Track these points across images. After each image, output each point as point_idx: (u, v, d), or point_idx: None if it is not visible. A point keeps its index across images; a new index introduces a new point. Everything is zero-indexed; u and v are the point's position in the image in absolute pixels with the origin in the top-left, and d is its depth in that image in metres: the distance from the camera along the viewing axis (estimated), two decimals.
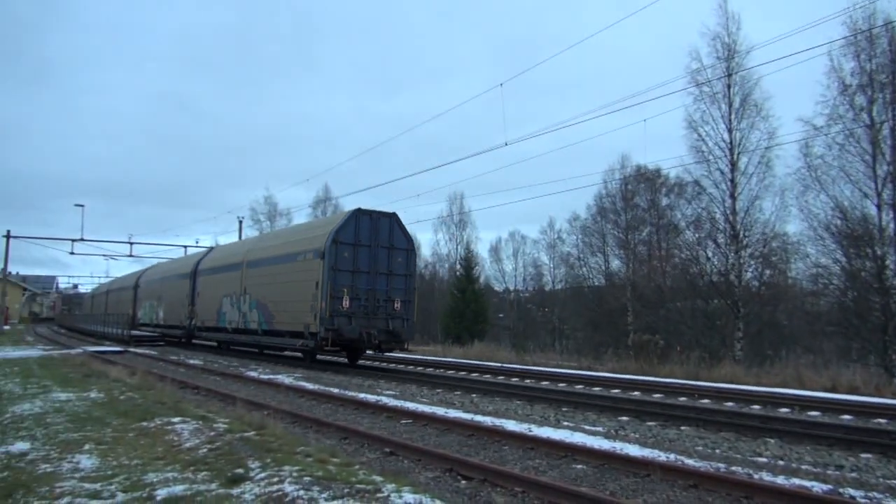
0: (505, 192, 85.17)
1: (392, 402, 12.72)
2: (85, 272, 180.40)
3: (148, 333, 36.05)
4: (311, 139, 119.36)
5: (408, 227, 20.88)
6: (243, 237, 48.60)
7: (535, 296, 65.11)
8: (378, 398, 13.44)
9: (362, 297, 19.76)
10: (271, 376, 17.90)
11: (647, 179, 42.82)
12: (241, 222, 50.22)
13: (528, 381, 17.80)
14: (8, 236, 46.71)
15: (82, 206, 46.19)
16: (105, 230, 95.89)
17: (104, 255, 56.90)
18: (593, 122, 70.45)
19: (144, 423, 8.93)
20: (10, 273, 59.35)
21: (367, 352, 21.58)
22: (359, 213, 20.17)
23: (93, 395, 12.10)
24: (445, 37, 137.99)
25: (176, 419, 9.15)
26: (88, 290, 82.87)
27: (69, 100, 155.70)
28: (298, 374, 19.08)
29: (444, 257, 64.15)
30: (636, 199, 44.04)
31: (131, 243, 48.26)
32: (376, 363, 23.46)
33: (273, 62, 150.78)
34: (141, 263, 60.17)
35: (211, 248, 34.67)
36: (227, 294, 26.34)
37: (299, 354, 22.26)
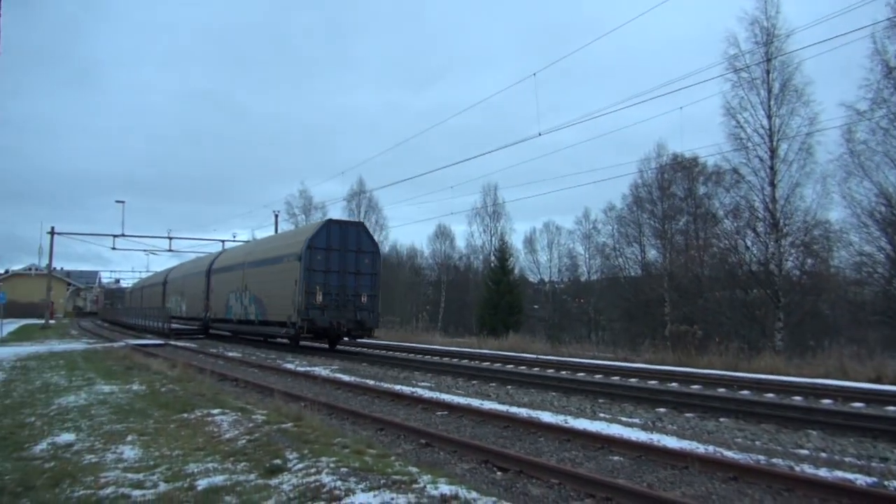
0: (539, 183, 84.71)
1: (427, 394, 12.77)
2: (126, 267, 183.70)
3: (187, 327, 36.77)
4: (345, 133, 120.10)
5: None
6: (279, 230, 49.18)
7: (571, 287, 64.71)
8: (413, 390, 13.51)
9: (333, 293, 23.36)
10: (308, 369, 18.10)
11: (684, 168, 42.21)
12: (276, 216, 50.75)
13: (563, 372, 17.72)
14: (52, 232, 47.98)
15: (123, 202, 47.32)
16: (145, 226, 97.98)
17: (144, 250, 58.34)
18: (628, 111, 69.81)
19: (185, 415, 9.11)
20: (54, 268, 60.90)
21: (345, 338, 24.94)
22: (330, 222, 24.47)
23: (135, 387, 12.37)
24: (476, 28, 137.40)
25: (215, 411, 9.31)
26: (129, 285, 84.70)
27: (109, 99, 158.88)
28: (335, 366, 19.29)
29: (479, 249, 64.21)
30: (673, 188, 43.46)
31: (170, 238, 49.23)
32: (381, 351, 23.63)
33: (306, 58, 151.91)
34: (179, 258, 61.16)
35: (223, 251, 38.28)
36: (232, 290, 30.07)
37: (287, 341, 25.97)
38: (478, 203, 61.93)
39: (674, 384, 15.05)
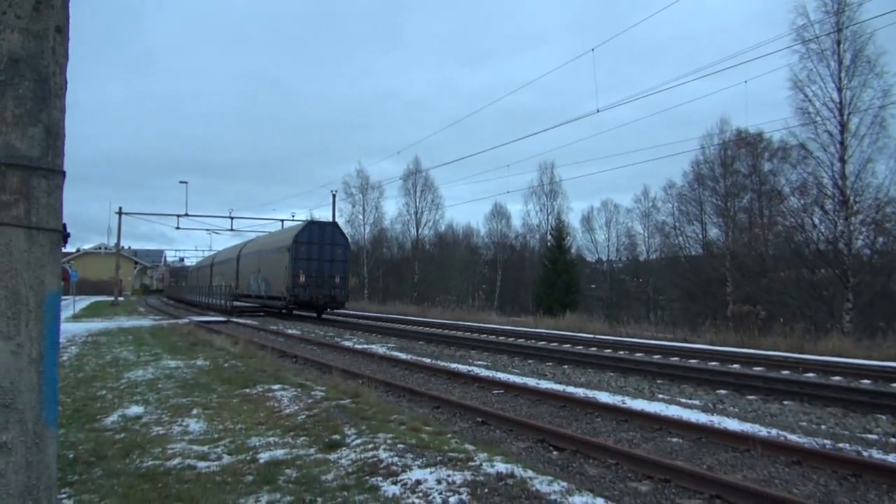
0: (596, 161, 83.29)
1: (484, 373, 12.81)
2: (189, 246, 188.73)
3: (249, 304, 37.74)
4: (400, 113, 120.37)
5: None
6: (336, 211, 50.21)
7: (629, 266, 63.88)
8: (470, 368, 13.57)
9: (313, 276, 31.30)
10: (365, 346, 18.36)
11: (748, 144, 40.97)
12: (334, 196, 51.36)
13: (621, 352, 17.54)
14: (120, 213, 49.57)
15: (185, 182, 48.35)
16: (207, 206, 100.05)
17: (207, 230, 59.85)
18: (689, 86, 67.89)
19: (247, 390, 9.35)
20: (122, 247, 63.03)
21: (331, 309, 33.33)
22: (311, 223, 33.85)
23: (199, 362, 12.75)
24: (531, 3, 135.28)
25: (276, 386, 9.54)
26: (193, 263, 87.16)
27: (168, 83, 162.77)
28: (391, 344, 19.51)
29: (535, 228, 63.79)
30: (736, 164, 42.26)
31: (231, 217, 50.21)
32: (437, 330, 23.73)
33: (358, 39, 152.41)
34: (240, 237, 62.59)
35: (249, 241, 45.30)
36: (252, 272, 37.55)
37: (310, 314, 33.70)
38: (534, 181, 61.46)
39: (735, 366, 14.73)
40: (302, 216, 75.47)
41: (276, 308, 33.94)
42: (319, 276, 31.49)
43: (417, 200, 61.14)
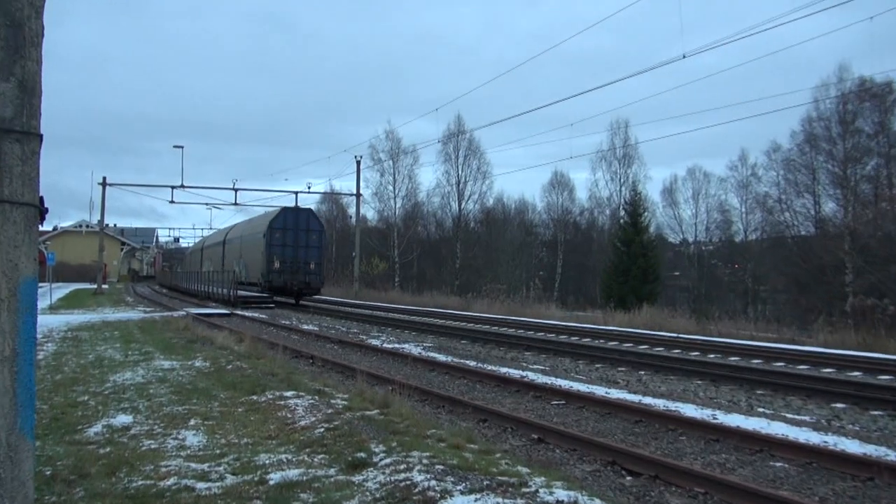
0: (682, 118, 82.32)
1: (540, 379, 12.82)
2: (185, 223, 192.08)
3: (256, 294, 38.41)
4: (439, 61, 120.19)
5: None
6: (361, 181, 50.81)
7: (722, 249, 63.08)
8: (523, 373, 13.60)
9: (288, 262, 37.38)
10: (396, 346, 18.52)
11: (875, 96, 39.98)
12: (358, 162, 51.81)
13: (711, 356, 17.38)
14: (104, 184, 50.50)
15: (181, 147, 48.93)
16: (207, 176, 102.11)
17: (206, 204, 60.63)
18: (799, 24, 65.95)
19: (254, 397, 9.52)
20: (107, 225, 64.39)
21: (312, 294, 40.18)
22: (286, 209, 39.59)
23: (198, 363, 13.02)
24: None
25: (289, 393, 9.69)
26: (190, 245, 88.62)
27: (156, 26, 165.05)
28: (428, 343, 19.65)
29: (604, 201, 63.50)
30: (858, 121, 41.30)
31: (236, 190, 50.87)
32: (483, 326, 23.75)
33: None
34: (245, 213, 63.68)
35: (234, 225, 51.99)
36: (235, 258, 44.64)
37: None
38: (604, 144, 61.10)
39: (856, 373, 14.49)
40: (320, 187, 76.32)
41: (255, 292, 40.05)
42: (294, 263, 37.62)
43: (460, 168, 61.41)
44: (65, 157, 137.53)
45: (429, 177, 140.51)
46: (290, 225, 38.04)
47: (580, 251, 64.69)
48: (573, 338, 21.87)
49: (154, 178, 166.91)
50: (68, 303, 36.61)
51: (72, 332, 19.86)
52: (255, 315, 29.55)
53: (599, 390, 11.72)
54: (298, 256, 37.70)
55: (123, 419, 8.31)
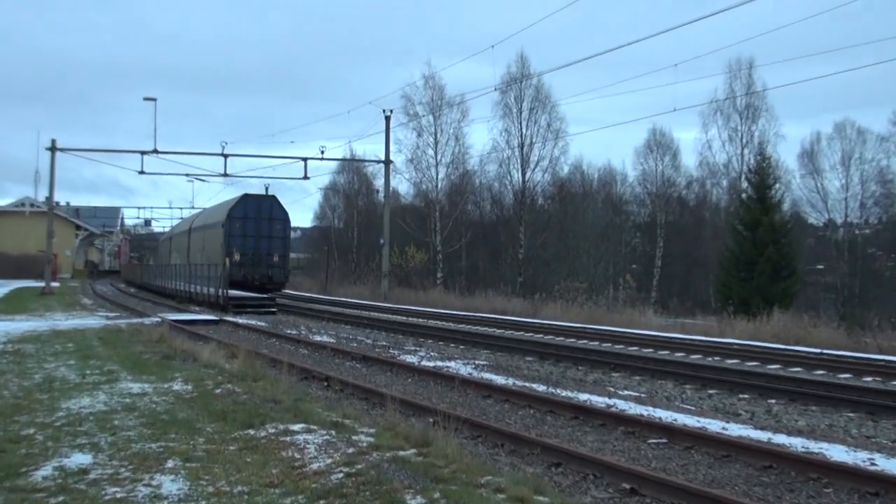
0: (826, 56, 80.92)
1: (633, 409, 12.75)
2: (160, 201, 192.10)
3: (254, 295, 38.79)
4: None
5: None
6: (392, 144, 51.47)
7: (883, 233, 62.01)
8: (610, 401, 13.53)
9: (249, 254, 44.03)
10: (439, 364, 18.54)
11: None
12: (388, 119, 51.79)
13: (867, 379, 17.13)
14: (53, 148, 50.97)
15: (153, 100, 49.27)
16: (187, 138, 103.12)
17: (187, 175, 60.99)
18: None
19: (251, 432, 9.58)
20: (57, 203, 65.29)
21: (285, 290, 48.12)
22: (246, 196, 46.54)
23: (176, 386, 13.15)
24: None
25: (297, 426, 9.74)
26: (167, 229, 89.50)
27: None
28: (482, 360, 19.65)
29: (720, 169, 62.63)
30: None
31: (225, 156, 50.91)
32: (550, 337, 23.56)
33: None
34: (238, 187, 64.27)
35: (202, 210, 61.51)
36: (199, 249, 51.41)
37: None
38: (719, 92, 60.29)
39: None
40: (336, 152, 76.64)
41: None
42: (256, 255, 44.68)
43: (524, 126, 61.19)
44: (3, 116, 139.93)
45: (482, 137, 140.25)
46: (251, 213, 45.20)
47: (687, 236, 64.20)
48: (677, 354, 21.71)
49: (119, 141, 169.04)
50: (7, 306, 37.11)
51: (12, 344, 20.15)
52: (252, 322, 29.78)
53: (714, 425, 11.63)
54: (261, 248, 45.02)
55: (80, 459, 8.40)
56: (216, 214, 48.71)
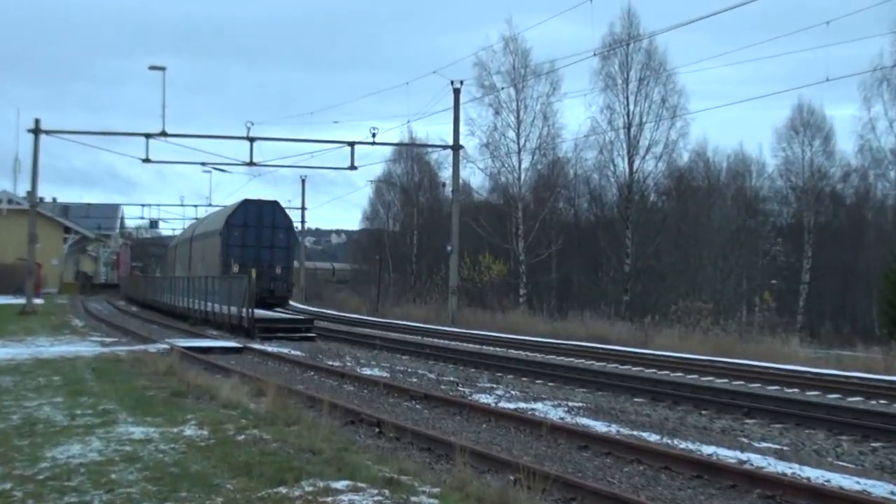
0: None
1: (773, 466, 12.61)
2: (170, 197, 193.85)
3: (287, 316, 38.93)
4: None
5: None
6: (461, 126, 51.57)
7: None
8: (743, 455, 13.40)
9: (249, 265, 46.61)
10: (522, 405, 18.45)
11: None
12: (457, 92, 51.74)
13: None
14: (37, 130, 51.48)
15: (162, 69, 49.68)
16: (203, 117, 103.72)
17: (203, 164, 61.43)
18: None
19: (282, 490, 9.59)
20: (41, 199, 65.92)
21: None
22: (247, 202, 52.86)
23: (189, 430, 13.19)
24: None
25: (340, 483, 9.73)
26: (177, 232, 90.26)
27: None
28: (576, 401, 19.50)
29: (887, 157, 61.50)
30: None
31: (251, 140, 51.11)
32: (653, 372, 23.30)
33: None
34: (266, 180, 64.86)
35: (203, 218, 68.43)
36: (200, 259, 57.79)
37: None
38: (885, 58, 59.47)
39: None
40: (391, 135, 76.97)
41: None
42: (256, 266, 47.51)
43: (631, 101, 60.83)
44: None
45: (577, 116, 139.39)
46: (251, 221, 51.95)
47: (843, 243, 63.36)
48: (830, 396, 21.48)
49: (118, 121, 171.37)
50: None
51: None
52: (284, 351, 29.92)
53: (879, 488, 11.47)
54: (262, 258, 50.99)
55: None
56: (214, 222, 55.51)
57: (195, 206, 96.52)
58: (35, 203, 56.98)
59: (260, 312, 38.02)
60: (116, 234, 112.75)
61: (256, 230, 50.81)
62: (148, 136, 49.40)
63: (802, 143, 65.39)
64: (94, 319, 47.66)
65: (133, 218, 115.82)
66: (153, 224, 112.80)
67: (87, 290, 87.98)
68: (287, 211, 57.72)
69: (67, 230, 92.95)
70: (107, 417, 14.43)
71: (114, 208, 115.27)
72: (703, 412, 18.46)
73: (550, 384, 22.77)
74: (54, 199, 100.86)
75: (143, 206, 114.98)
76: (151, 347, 28.48)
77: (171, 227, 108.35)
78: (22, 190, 67.84)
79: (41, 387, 18.51)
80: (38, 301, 56.61)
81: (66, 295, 78.28)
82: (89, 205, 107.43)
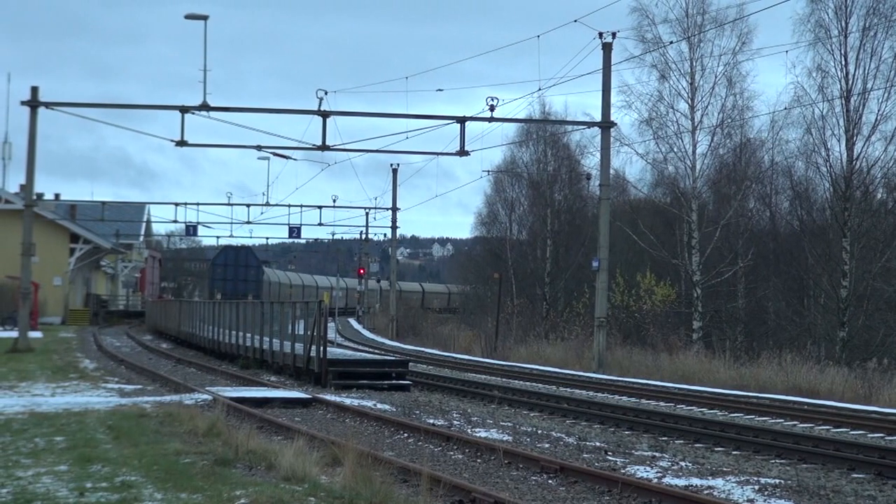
0: None
1: None
2: (214, 192, 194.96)
3: (370, 357, 39.02)
4: None
5: None
6: (614, 92, 52.00)
7: None
8: None
9: (229, 294, 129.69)
10: (696, 481, 18.34)
11: None
12: (607, 48, 51.75)
13: None
14: (33, 103, 52.04)
15: (204, 18, 50.17)
16: (255, 86, 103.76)
17: (259, 149, 61.99)
18: None
19: None
20: (39, 197, 66.78)
21: None
22: (227, 248, 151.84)
23: None
24: None
25: None
26: (223, 242, 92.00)
27: None
28: (770, 476, 19.31)
29: None
30: None
31: (324, 114, 51.19)
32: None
33: None
34: (344, 168, 65.86)
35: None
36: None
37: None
38: None
39: None
40: (516, 108, 77.00)
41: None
42: (234, 296, 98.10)
43: (851, 58, 60.02)
44: None
45: (775, 81, 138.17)
46: (230, 261, 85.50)
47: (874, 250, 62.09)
48: None
49: (141, 91, 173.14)
50: None
51: None
52: (369, 405, 30.06)
53: None
54: (238, 290, 78.16)
55: None
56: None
57: (247, 205, 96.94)
58: (31, 200, 57.48)
59: (335, 352, 37.95)
60: (141, 243, 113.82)
61: (235, 268, 64.49)
62: (184, 109, 49.72)
63: None
64: (109, 360, 48.16)
65: (161, 221, 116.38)
66: (191, 230, 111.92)
67: (100, 319, 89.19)
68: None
69: (75, 238, 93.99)
70: (127, 493, 14.44)
71: (138, 209, 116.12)
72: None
73: (735, 453, 22.64)
74: (57, 196, 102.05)
75: (176, 205, 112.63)
76: (188, 398, 28.76)
77: (214, 235, 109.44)
78: (14, 185, 68.80)
79: (39, 450, 18.70)
80: (36, 335, 57.07)
81: (73, 326, 79.18)
82: (104, 203, 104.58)
